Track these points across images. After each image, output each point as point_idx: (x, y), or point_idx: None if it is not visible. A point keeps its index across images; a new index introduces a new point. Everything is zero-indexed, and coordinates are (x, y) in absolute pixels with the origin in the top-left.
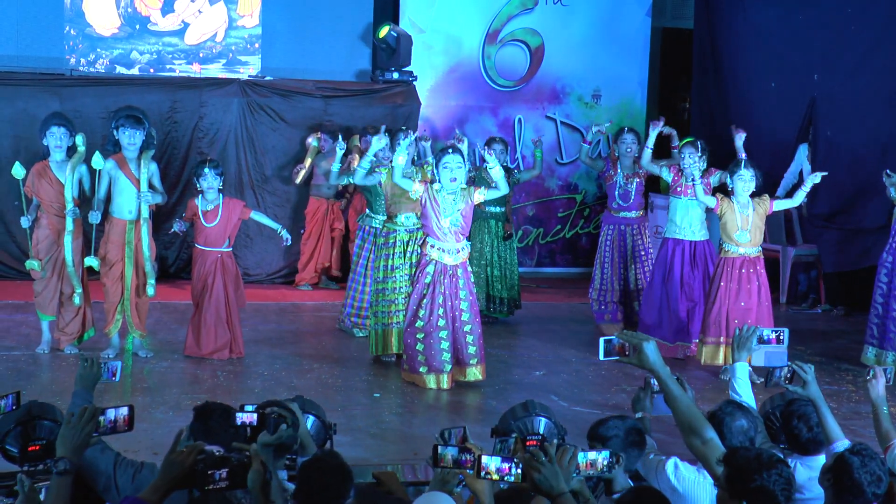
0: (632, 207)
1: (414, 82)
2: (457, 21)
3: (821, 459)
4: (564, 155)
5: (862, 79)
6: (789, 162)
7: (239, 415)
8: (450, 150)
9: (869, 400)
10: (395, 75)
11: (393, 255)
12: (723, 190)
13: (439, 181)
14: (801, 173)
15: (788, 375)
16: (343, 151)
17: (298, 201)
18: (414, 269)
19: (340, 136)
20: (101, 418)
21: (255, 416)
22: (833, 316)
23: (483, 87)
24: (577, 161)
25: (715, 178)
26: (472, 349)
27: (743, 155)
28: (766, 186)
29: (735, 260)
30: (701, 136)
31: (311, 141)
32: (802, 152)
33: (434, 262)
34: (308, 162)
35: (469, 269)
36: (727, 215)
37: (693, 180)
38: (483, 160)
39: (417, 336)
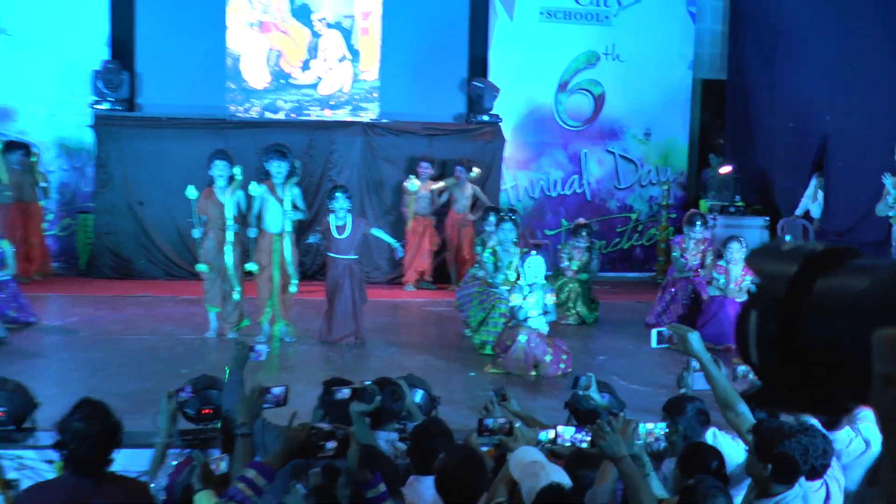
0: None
1: (500, 123)
2: (534, 74)
3: (844, 432)
4: (622, 182)
5: (866, 117)
6: (805, 188)
7: (337, 392)
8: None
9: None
10: (485, 117)
11: (492, 305)
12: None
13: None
14: (815, 197)
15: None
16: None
17: (401, 220)
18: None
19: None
20: (269, 395)
21: (348, 391)
22: None
23: (555, 127)
24: (633, 187)
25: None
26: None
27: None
28: (785, 208)
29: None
30: (733, 164)
31: (462, 173)
32: (815, 181)
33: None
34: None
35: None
36: None
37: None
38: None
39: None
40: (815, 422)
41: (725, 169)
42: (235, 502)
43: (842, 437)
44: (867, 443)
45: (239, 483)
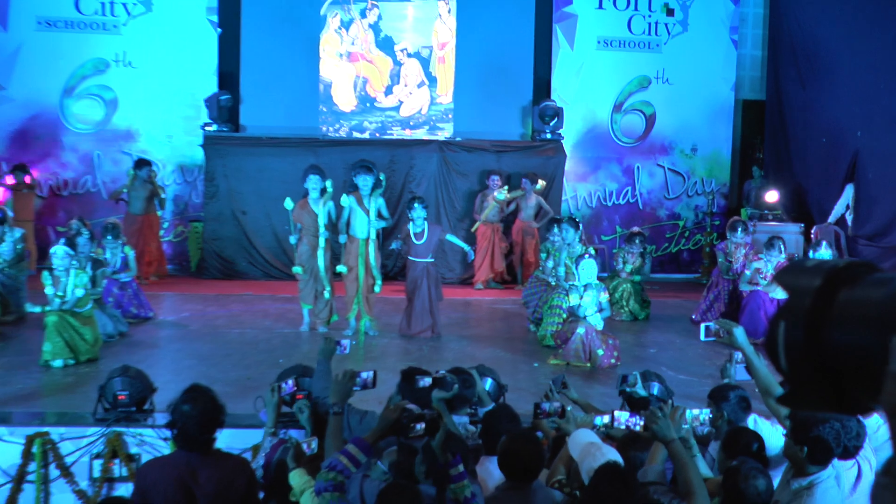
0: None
1: (561, 140)
2: (592, 96)
3: (873, 419)
4: (671, 192)
5: (894, 132)
6: (837, 198)
7: (420, 381)
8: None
9: None
10: (548, 135)
11: (554, 297)
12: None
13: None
14: (847, 206)
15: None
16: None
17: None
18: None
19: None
20: (358, 378)
21: (429, 380)
22: None
23: (611, 143)
24: (681, 197)
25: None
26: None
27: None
28: (818, 216)
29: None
30: (772, 175)
31: (528, 185)
32: (849, 191)
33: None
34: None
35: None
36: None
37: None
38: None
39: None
40: None
41: (773, 197)
42: (336, 472)
43: (871, 423)
44: None
45: (341, 456)
